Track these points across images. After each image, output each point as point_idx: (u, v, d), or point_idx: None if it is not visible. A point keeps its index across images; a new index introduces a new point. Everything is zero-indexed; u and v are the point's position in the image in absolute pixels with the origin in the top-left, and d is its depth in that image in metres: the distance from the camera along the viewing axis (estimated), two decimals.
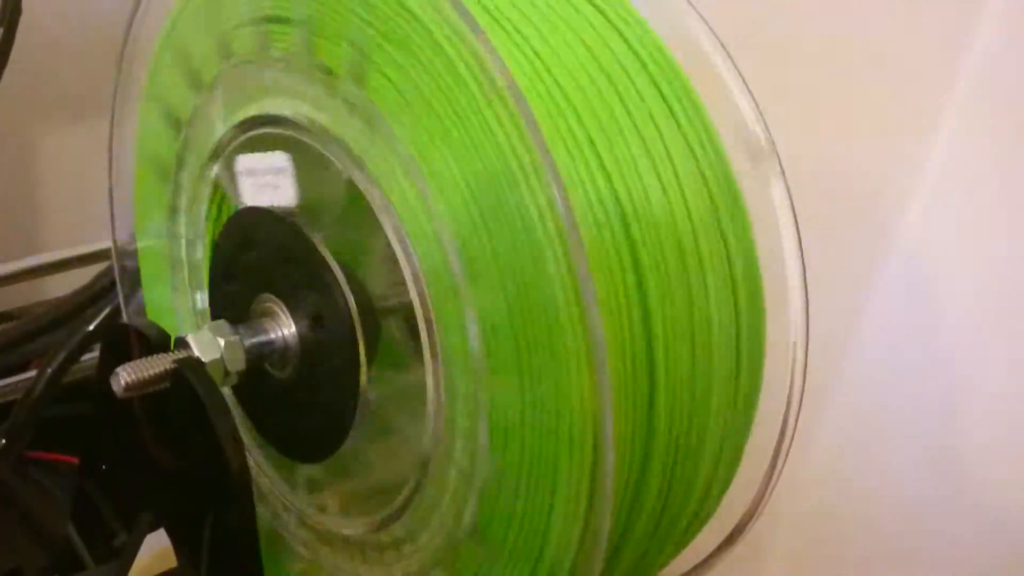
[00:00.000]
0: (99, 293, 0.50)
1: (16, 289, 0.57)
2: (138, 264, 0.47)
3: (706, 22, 0.36)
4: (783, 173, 0.35)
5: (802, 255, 0.35)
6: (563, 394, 0.29)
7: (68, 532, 0.52)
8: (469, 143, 0.29)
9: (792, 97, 0.49)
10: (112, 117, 0.44)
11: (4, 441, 0.49)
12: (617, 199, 0.31)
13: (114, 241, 0.47)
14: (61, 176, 0.71)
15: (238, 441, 0.34)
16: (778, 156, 0.35)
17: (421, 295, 0.32)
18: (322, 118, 0.34)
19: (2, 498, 0.57)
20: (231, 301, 0.39)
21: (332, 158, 0.34)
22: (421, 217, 0.31)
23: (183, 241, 0.43)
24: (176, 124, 0.41)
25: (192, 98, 0.40)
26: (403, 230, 0.32)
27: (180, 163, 0.42)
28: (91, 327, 0.49)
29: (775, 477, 0.37)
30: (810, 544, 0.63)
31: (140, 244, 0.46)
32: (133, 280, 0.47)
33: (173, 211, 0.43)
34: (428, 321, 0.32)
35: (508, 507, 0.32)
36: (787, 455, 0.36)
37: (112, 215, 0.46)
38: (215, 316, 0.41)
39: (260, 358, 0.37)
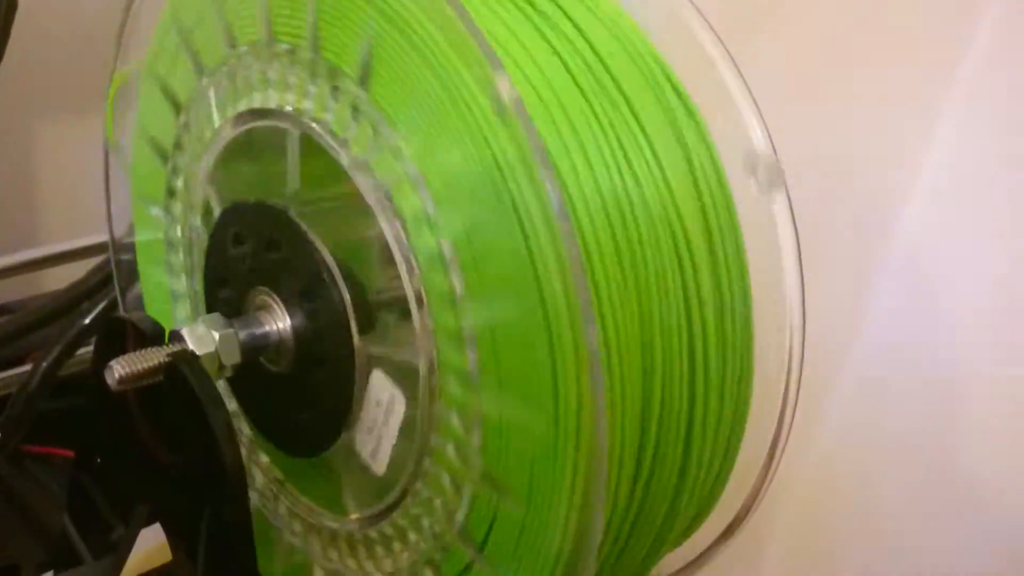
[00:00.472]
0: (95, 287, 0.50)
1: (13, 283, 0.57)
2: (135, 256, 0.47)
3: (707, 21, 0.36)
4: (783, 175, 0.35)
5: (799, 253, 0.35)
6: (559, 389, 0.29)
7: (65, 526, 0.52)
8: (464, 136, 0.29)
9: (790, 96, 0.49)
10: (108, 112, 0.44)
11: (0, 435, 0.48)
12: (603, 198, 0.31)
13: (111, 234, 0.47)
14: (58, 170, 0.70)
15: (232, 434, 0.34)
16: (778, 159, 0.35)
17: (416, 291, 0.32)
18: (324, 115, 0.34)
19: None
20: (227, 294, 0.39)
21: (328, 150, 0.34)
22: (417, 210, 0.31)
23: (178, 223, 0.43)
24: (176, 106, 0.41)
25: (194, 81, 0.40)
26: (398, 224, 0.32)
27: (178, 146, 0.42)
28: (87, 321, 0.49)
29: (771, 472, 0.37)
30: (808, 540, 0.63)
31: (136, 223, 0.46)
32: (130, 273, 0.47)
33: (170, 193, 0.43)
34: (423, 318, 0.32)
35: (501, 509, 0.32)
36: (783, 451, 0.36)
37: (108, 209, 0.46)
38: (211, 309, 0.40)
39: (255, 351, 0.37)
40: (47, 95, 0.67)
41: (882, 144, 0.54)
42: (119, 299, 0.47)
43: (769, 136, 0.35)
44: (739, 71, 0.35)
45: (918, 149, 0.53)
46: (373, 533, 0.38)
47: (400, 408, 0.35)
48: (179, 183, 0.42)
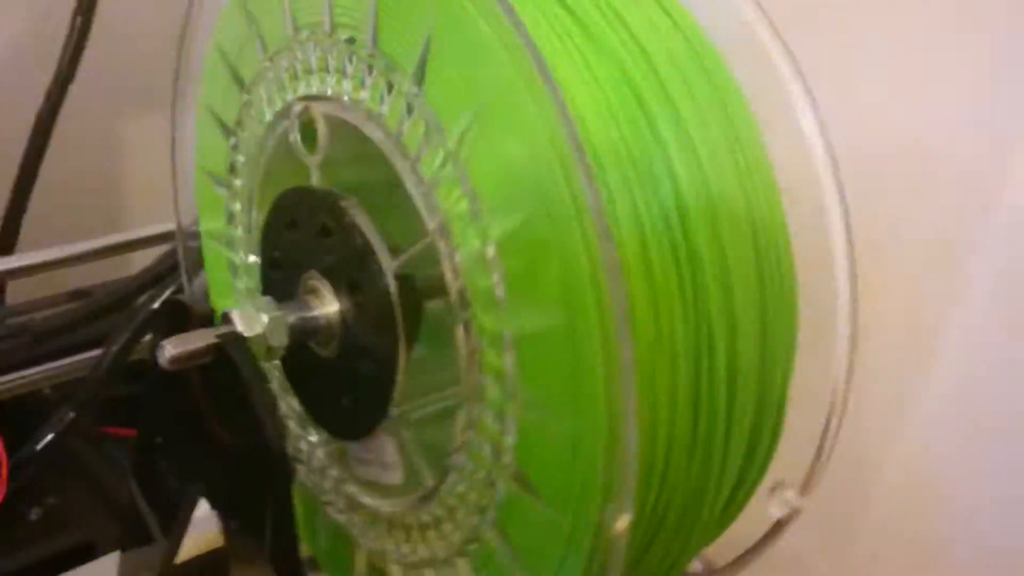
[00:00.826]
0: (164, 273, 0.52)
1: (95, 267, 0.59)
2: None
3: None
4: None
5: (852, 249, 0.34)
6: (587, 377, 0.29)
7: (138, 505, 0.53)
8: (508, 128, 0.29)
9: (880, 71, 0.47)
10: (172, 103, 0.45)
11: (72, 415, 0.50)
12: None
13: (178, 221, 0.48)
14: (143, 160, 0.73)
15: (275, 415, 0.35)
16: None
17: (455, 274, 0.32)
18: (365, 98, 0.34)
19: (78, 473, 0.59)
20: (280, 278, 0.40)
21: (376, 141, 0.34)
22: (463, 212, 0.31)
23: (241, 249, 0.44)
24: (226, 130, 0.43)
25: (258, 62, 0.41)
26: (441, 215, 0.32)
27: (240, 124, 0.43)
28: (156, 306, 0.50)
29: (821, 465, 0.36)
30: (898, 538, 0.61)
31: (198, 196, 0.47)
32: (197, 260, 0.49)
33: (231, 168, 0.44)
34: (464, 302, 0.32)
35: (539, 484, 0.32)
36: (833, 447, 0.35)
37: (175, 195, 0.48)
38: (265, 293, 0.41)
39: (304, 335, 0.38)
40: (131, 90, 0.69)
41: (979, 123, 0.52)
42: (184, 285, 0.48)
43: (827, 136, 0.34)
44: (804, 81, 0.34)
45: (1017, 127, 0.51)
46: (411, 519, 0.38)
47: (394, 479, 0.37)
48: (240, 159, 0.43)
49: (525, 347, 0.31)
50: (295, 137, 0.39)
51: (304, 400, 0.41)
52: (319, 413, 0.40)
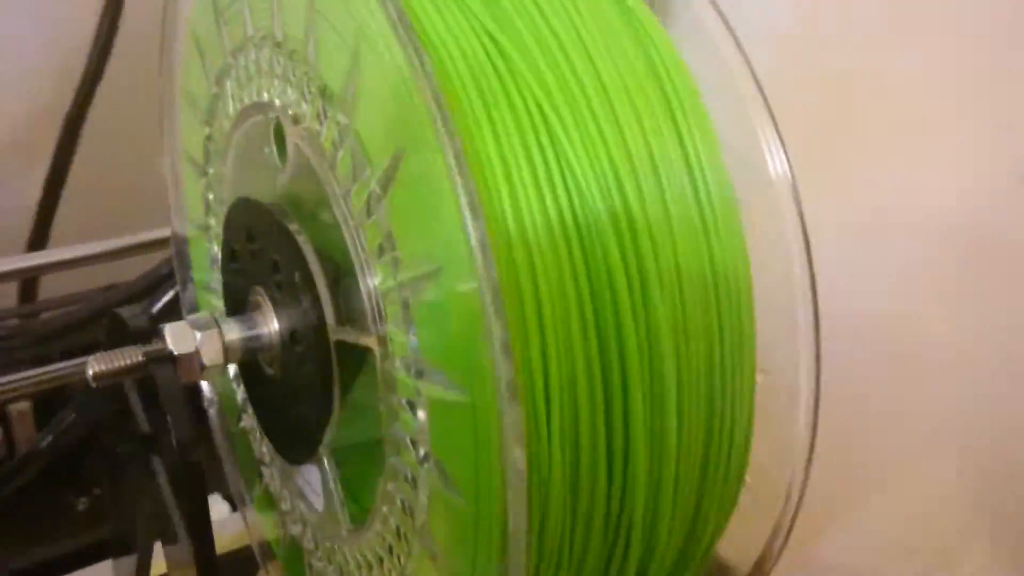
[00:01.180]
0: (166, 276, 0.51)
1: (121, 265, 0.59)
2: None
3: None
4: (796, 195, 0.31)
5: (811, 263, 0.30)
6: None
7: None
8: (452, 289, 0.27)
9: None
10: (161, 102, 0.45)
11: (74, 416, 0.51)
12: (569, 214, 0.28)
13: (173, 227, 0.47)
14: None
15: (195, 440, 0.33)
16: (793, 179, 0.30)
17: (389, 387, 0.30)
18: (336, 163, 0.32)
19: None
20: (233, 291, 0.38)
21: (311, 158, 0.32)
22: (402, 332, 0.30)
23: (213, 189, 0.42)
24: (203, 117, 0.41)
25: (211, 88, 0.39)
26: (384, 330, 0.30)
27: (208, 158, 0.41)
28: (153, 311, 0.50)
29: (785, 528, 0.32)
30: None
31: (194, 254, 0.46)
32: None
33: (207, 207, 0.43)
34: (392, 415, 0.31)
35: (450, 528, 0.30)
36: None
37: (172, 201, 0.47)
38: (225, 304, 0.40)
39: (244, 353, 0.36)
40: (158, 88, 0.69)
41: None
42: (180, 292, 0.47)
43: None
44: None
45: None
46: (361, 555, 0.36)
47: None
48: (212, 148, 0.41)
49: (434, 499, 0.30)
50: (271, 149, 0.38)
51: (254, 405, 0.40)
52: (264, 424, 0.39)
